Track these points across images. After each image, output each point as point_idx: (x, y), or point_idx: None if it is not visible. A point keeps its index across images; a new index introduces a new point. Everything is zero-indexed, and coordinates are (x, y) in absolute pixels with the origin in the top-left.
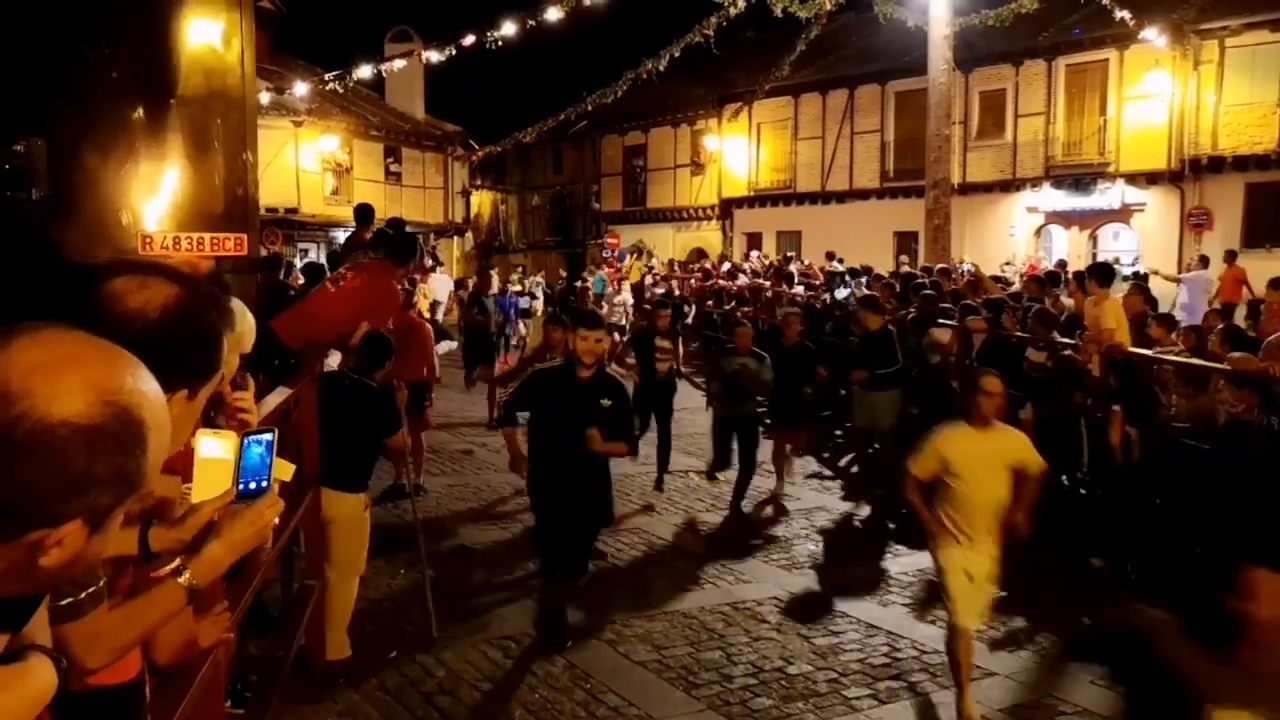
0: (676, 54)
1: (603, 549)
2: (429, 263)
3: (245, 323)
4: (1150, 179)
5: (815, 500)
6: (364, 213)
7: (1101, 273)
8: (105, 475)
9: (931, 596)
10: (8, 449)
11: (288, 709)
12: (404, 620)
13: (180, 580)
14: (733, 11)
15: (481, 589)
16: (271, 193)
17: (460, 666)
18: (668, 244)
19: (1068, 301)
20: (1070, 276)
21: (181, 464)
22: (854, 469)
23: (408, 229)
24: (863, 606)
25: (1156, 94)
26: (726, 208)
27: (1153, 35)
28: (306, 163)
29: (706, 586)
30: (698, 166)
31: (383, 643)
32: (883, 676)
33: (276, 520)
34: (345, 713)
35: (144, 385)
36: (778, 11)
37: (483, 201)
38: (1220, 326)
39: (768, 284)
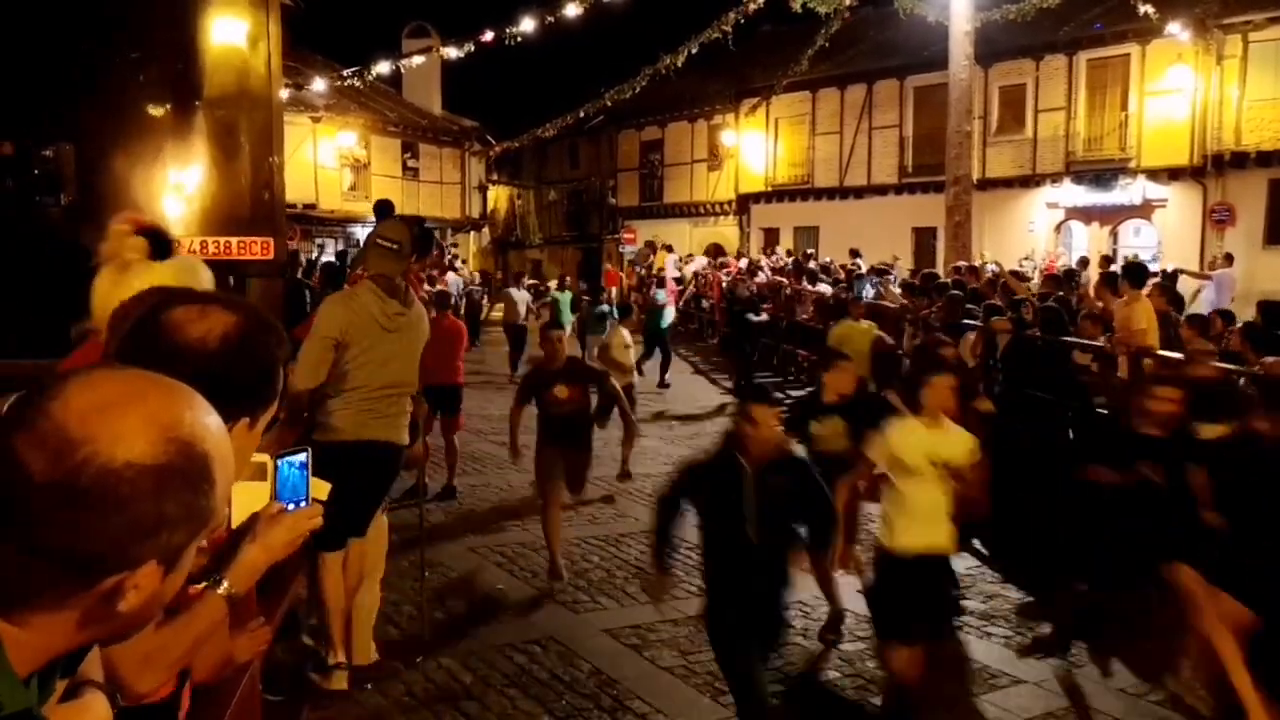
0: (694, 49)
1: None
2: (446, 259)
3: (200, 276)
4: (1172, 174)
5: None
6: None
7: (1135, 273)
8: (176, 514)
9: (955, 601)
10: (76, 498)
11: (316, 715)
12: (430, 625)
13: (220, 591)
14: (751, 7)
15: (507, 592)
16: (289, 188)
17: (487, 672)
18: (685, 239)
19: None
20: (1087, 276)
21: None
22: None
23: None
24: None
25: (1178, 89)
26: (744, 203)
27: (1175, 30)
28: (324, 158)
29: None
30: (715, 161)
31: (409, 648)
32: None
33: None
34: (373, 717)
35: (204, 417)
36: (796, 6)
37: (499, 197)
38: (1240, 325)
39: (786, 281)
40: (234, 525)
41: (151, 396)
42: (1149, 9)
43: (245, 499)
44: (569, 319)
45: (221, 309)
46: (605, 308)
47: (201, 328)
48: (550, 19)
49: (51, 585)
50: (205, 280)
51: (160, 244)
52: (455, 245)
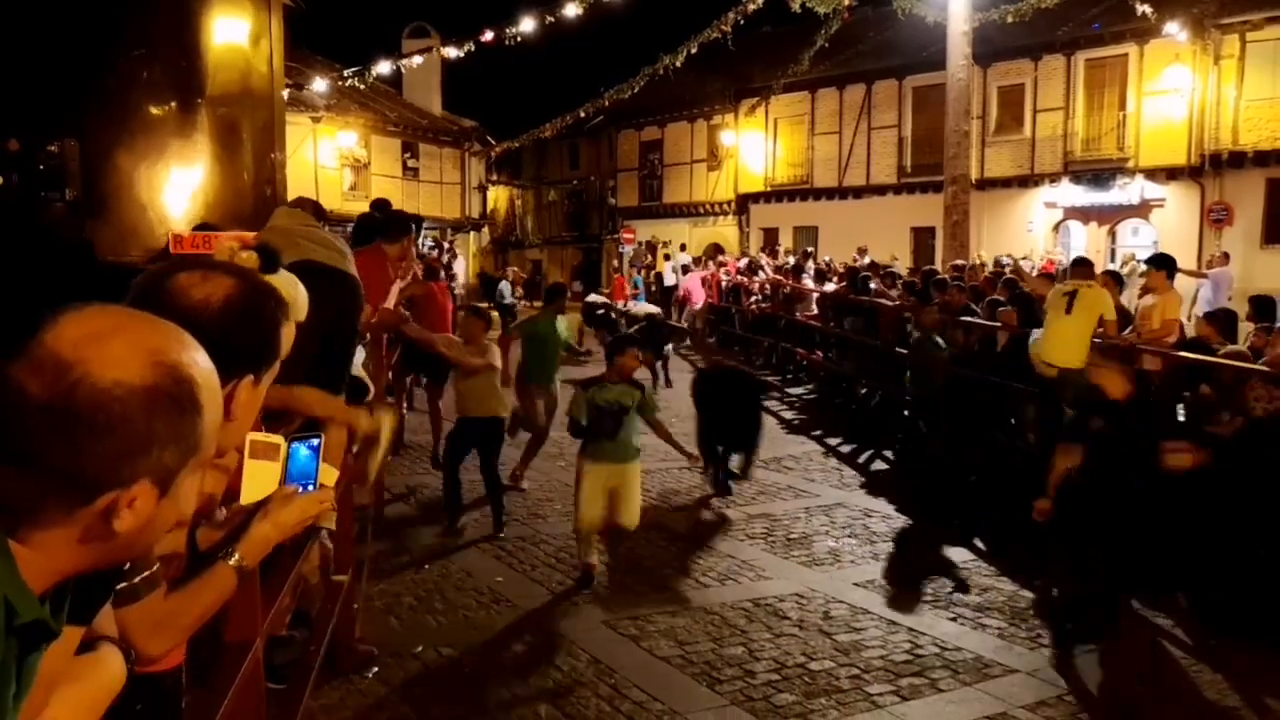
0: (694, 50)
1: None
2: (446, 259)
3: (299, 292)
4: (1170, 174)
5: (835, 497)
6: (380, 207)
7: (1170, 263)
8: (165, 434)
9: (951, 593)
10: (69, 416)
11: (318, 702)
12: (429, 616)
13: (230, 562)
14: (750, 7)
15: (506, 584)
16: (290, 188)
17: (486, 662)
18: (684, 239)
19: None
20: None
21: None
22: (873, 466)
23: (401, 213)
24: (883, 603)
25: (1176, 89)
26: (743, 203)
27: (1173, 30)
28: (324, 158)
29: (728, 583)
30: (714, 162)
31: (408, 639)
32: (905, 673)
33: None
34: (374, 706)
35: (191, 349)
36: (795, 7)
37: (499, 197)
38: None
39: (785, 281)
40: (244, 501)
41: (140, 327)
42: (1147, 9)
43: (258, 477)
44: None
45: (224, 274)
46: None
47: (204, 290)
48: (550, 19)
49: (53, 503)
50: (301, 295)
51: (269, 258)
52: (454, 242)
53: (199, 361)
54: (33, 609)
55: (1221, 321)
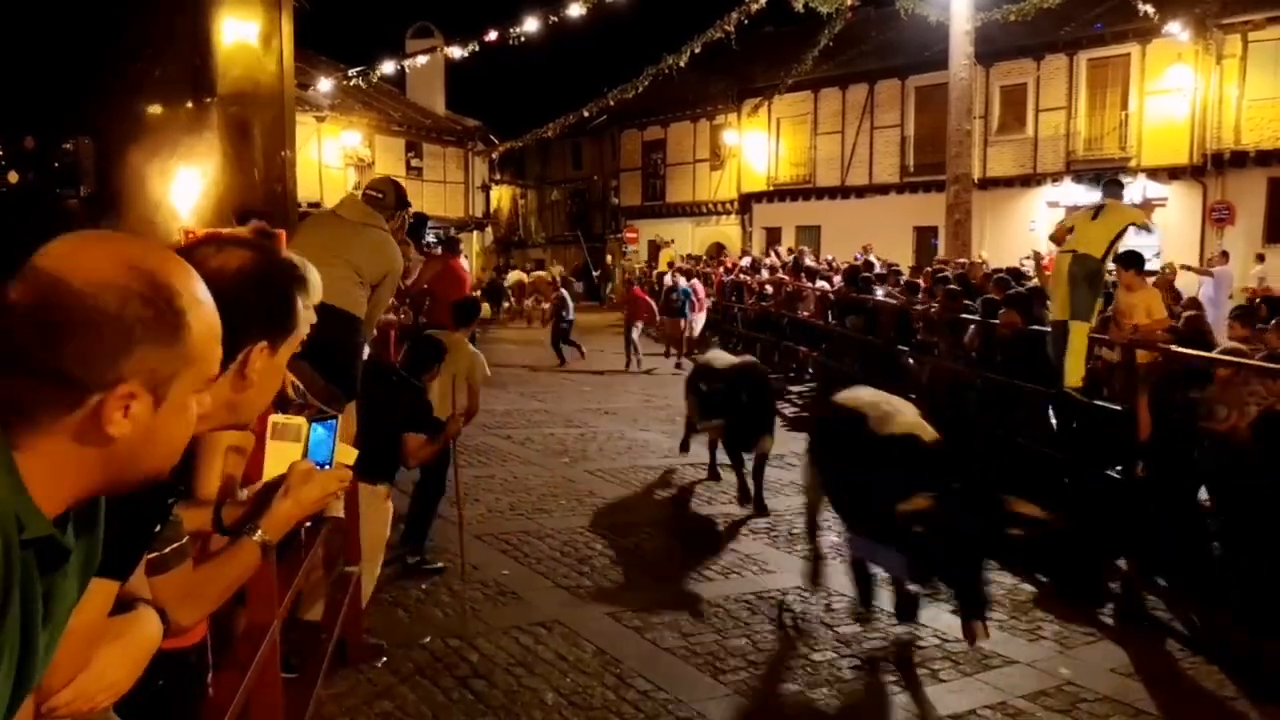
0: (697, 49)
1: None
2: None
3: (311, 274)
4: (1172, 174)
5: None
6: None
7: (1140, 261)
8: (143, 334)
9: None
10: (47, 317)
11: (328, 691)
12: (436, 607)
13: (255, 537)
14: (753, 7)
15: (512, 577)
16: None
17: (493, 652)
18: (687, 239)
19: None
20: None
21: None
22: None
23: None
24: (884, 596)
25: (1178, 88)
26: (746, 202)
27: (1175, 29)
28: (329, 158)
29: (731, 577)
30: (717, 161)
31: (417, 630)
32: (905, 664)
33: (338, 492)
34: (383, 695)
35: (175, 263)
36: (798, 7)
37: (502, 196)
38: None
39: (787, 279)
40: (267, 479)
41: (123, 242)
42: (1149, 9)
43: (280, 457)
44: None
45: (239, 248)
46: None
47: (218, 260)
48: (553, 19)
49: (45, 408)
50: (314, 278)
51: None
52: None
53: (186, 275)
54: (41, 525)
55: (1254, 321)
